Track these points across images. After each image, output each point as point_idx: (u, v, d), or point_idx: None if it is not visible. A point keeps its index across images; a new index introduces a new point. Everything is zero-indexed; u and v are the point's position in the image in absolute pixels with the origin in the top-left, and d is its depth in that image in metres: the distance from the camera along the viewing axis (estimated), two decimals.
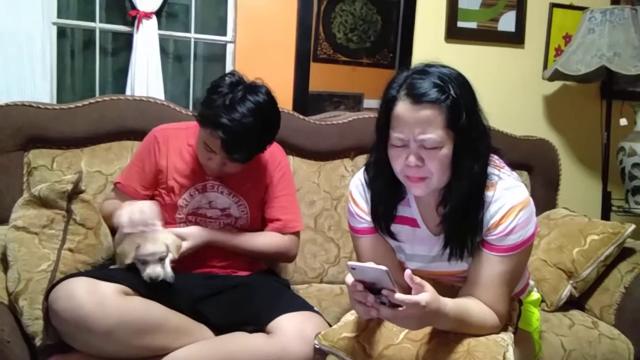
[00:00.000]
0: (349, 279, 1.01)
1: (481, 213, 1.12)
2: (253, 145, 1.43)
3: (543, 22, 2.50)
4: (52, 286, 1.27)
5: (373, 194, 1.22)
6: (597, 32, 2.23)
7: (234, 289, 1.44)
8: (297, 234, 1.63)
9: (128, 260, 1.33)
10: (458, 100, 1.06)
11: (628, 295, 1.70)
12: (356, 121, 2.02)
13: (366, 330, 1.19)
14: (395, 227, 1.23)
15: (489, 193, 1.13)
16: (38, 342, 1.27)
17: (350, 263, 0.98)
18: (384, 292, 0.98)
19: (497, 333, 1.16)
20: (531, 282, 1.43)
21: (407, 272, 0.98)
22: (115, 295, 1.24)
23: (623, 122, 2.37)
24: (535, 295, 1.43)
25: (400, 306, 0.98)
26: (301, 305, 1.40)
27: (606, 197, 2.33)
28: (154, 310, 1.30)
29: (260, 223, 1.60)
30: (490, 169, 1.14)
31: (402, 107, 1.07)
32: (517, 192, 1.13)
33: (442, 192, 1.15)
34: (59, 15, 2.08)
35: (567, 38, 2.50)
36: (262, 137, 1.43)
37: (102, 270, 1.39)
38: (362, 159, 2.03)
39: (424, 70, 1.09)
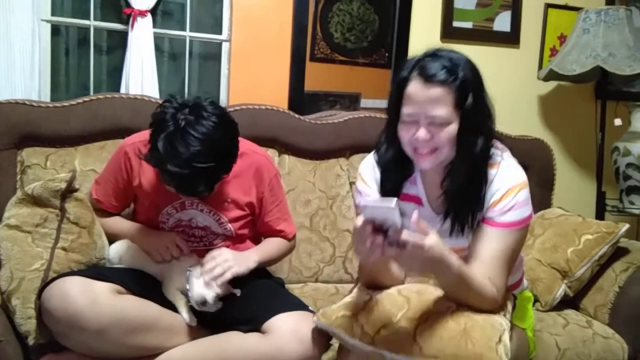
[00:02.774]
0: (359, 220, 1.02)
1: (484, 189, 1.19)
2: (212, 176, 1.30)
3: (538, 22, 2.51)
4: (44, 285, 1.26)
5: (382, 170, 1.27)
6: (592, 32, 2.24)
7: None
8: (294, 236, 1.63)
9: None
10: (466, 82, 1.14)
11: (622, 295, 1.71)
12: (352, 120, 2.02)
13: (365, 310, 1.19)
14: (400, 204, 1.26)
15: (492, 171, 1.20)
16: (31, 341, 1.26)
17: (361, 201, 1.00)
18: (390, 232, 0.99)
19: (494, 312, 1.18)
20: (525, 282, 1.44)
21: (415, 215, 1.01)
22: (109, 294, 1.23)
23: (617, 122, 2.38)
24: (527, 294, 1.45)
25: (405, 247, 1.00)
26: (296, 304, 1.39)
27: (600, 197, 2.34)
28: (148, 309, 1.29)
29: (248, 234, 1.57)
30: (494, 150, 1.22)
31: (414, 86, 1.14)
32: (518, 173, 1.21)
33: (447, 168, 1.21)
34: (54, 13, 2.07)
35: (562, 38, 2.51)
36: (220, 163, 1.29)
37: (96, 269, 1.39)
38: (357, 158, 2.03)
39: (435, 54, 1.17)
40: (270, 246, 1.55)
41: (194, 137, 1.23)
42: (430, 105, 1.12)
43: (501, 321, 1.16)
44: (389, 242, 1.00)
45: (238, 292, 1.38)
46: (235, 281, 1.44)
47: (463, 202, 1.19)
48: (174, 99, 1.30)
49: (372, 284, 1.25)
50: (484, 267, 1.16)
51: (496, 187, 1.18)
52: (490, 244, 1.18)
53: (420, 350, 1.07)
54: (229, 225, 1.49)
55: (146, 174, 1.45)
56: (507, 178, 1.19)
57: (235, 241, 1.52)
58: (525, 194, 1.19)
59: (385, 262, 1.18)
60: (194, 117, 1.25)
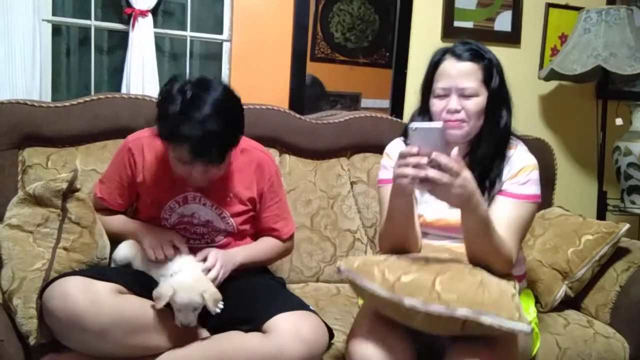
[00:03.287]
0: (403, 147, 1.12)
1: (502, 164, 1.34)
2: (223, 141, 1.33)
3: (539, 22, 2.51)
4: (46, 285, 1.26)
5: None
6: (593, 32, 2.24)
7: (229, 288, 1.43)
8: (292, 235, 1.63)
9: (161, 304, 1.27)
10: (492, 63, 1.33)
11: (623, 294, 1.70)
12: (353, 120, 2.02)
13: (386, 261, 1.23)
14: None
15: (509, 151, 1.37)
16: (32, 341, 1.26)
17: (411, 125, 1.10)
18: (434, 154, 1.06)
19: (506, 279, 1.22)
20: (526, 282, 1.47)
21: (455, 151, 1.08)
22: (110, 294, 1.23)
23: (619, 121, 2.38)
24: (529, 291, 1.50)
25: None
26: (297, 304, 1.39)
27: (602, 197, 2.34)
28: (149, 309, 1.29)
29: (249, 231, 1.58)
30: (511, 137, 1.39)
31: (447, 64, 1.33)
32: (531, 156, 1.37)
33: (470, 143, 1.35)
34: (55, 13, 2.07)
35: (563, 38, 2.51)
36: (230, 130, 1.33)
37: (97, 269, 1.39)
38: (358, 158, 2.04)
39: (464, 42, 1.36)
40: (259, 247, 1.56)
41: (205, 102, 1.28)
42: (460, 78, 1.29)
43: (512, 289, 1.20)
44: (431, 165, 1.06)
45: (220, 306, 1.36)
46: (236, 281, 1.45)
47: (485, 173, 1.31)
48: (179, 77, 1.34)
49: (392, 250, 1.29)
50: (500, 230, 1.22)
51: (513, 164, 1.34)
52: (506, 212, 1.28)
53: (438, 296, 1.11)
54: (231, 220, 1.49)
55: (150, 169, 1.47)
56: (522, 158, 1.35)
57: (236, 237, 1.53)
58: (537, 174, 1.34)
59: (411, 217, 1.26)
60: (200, 89, 1.30)
